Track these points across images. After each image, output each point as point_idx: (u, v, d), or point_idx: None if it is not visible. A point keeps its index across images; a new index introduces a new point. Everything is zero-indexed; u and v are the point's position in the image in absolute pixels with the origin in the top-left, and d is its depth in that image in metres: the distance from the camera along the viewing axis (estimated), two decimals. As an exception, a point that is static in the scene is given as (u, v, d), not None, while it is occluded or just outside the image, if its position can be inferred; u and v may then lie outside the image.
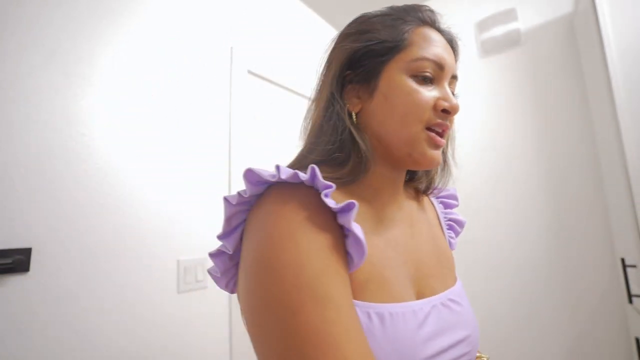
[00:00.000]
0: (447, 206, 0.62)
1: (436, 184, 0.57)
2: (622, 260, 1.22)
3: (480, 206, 1.72)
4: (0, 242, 0.78)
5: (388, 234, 0.45)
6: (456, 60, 0.50)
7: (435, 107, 0.44)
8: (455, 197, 0.63)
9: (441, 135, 0.45)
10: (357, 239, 0.34)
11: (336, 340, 0.29)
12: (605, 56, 1.17)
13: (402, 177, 0.51)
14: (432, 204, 0.61)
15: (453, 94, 0.47)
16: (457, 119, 0.52)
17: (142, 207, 1.05)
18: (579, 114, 1.53)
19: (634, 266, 1.13)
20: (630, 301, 1.18)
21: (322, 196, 0.35)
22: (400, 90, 0.43)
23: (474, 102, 1.79)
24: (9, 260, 0.77)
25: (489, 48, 1.79)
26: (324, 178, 0.40)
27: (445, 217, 0.61)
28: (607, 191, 1.42)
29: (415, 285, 0.44)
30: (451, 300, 0.45)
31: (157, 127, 1.13)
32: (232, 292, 0.44)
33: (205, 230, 1.22)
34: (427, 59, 0.43)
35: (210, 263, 1.21)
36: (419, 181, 0.57)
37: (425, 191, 0.57)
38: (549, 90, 1.61)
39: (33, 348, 0.80)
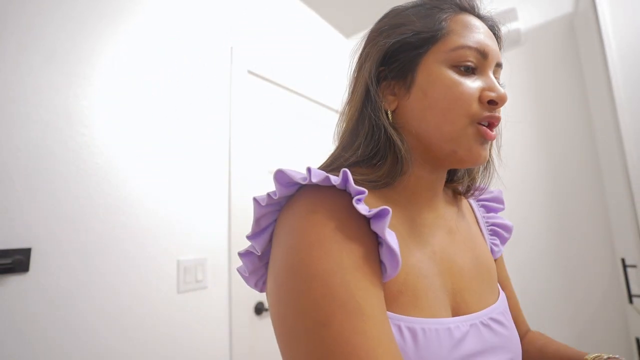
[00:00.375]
0: (490, 210, 0.58)
1: (477, 184, 0.52)
2: (622, 260, 1.22)
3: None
4: (0, 242, 0.78)
5: (424, 242, 0.42)
6: (500, 48, 0.46)
7: (481, 99, 0.40)
8: (500, 200, 0.58)
9: (491, 128, 0.42)
10: (390, 249, 0.32)
11: (367, 352, 0.28)
12: (605, 56, 1.17)
13: (442, 179, 0.47)
14: (472, 207, 0.56)
15: (499, 83, 0.43)
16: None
17: (142, 207, 1.05)
18: (579, 114, 1.53)
19: (634, 266, 1.13)
20: (631, 301, 1.18)
21: (354, 202, 0.33)
22: (440, 83, 0.40)
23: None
24: (8, 261, 0.77)
25: (489, 48, 1.79)
26: (359, 181, 0.38)
27: (487, 222, 0.56)
28: (607, 191, 1.41)
29: (451, 299, 0.41)
30: (493, 319, 0.41)
31: (157, 127, 1.13)
32: (261, 290, 0.42)
33: (205, 230, 1.22)
34: (469, 47, 0.40)
35: (209, 264, 1.21)
36: (458, 182, 0.53)
37: (465, 193, 0.53)
38: (549, 90, 1.61)
39: (32, 348, 0.80)
